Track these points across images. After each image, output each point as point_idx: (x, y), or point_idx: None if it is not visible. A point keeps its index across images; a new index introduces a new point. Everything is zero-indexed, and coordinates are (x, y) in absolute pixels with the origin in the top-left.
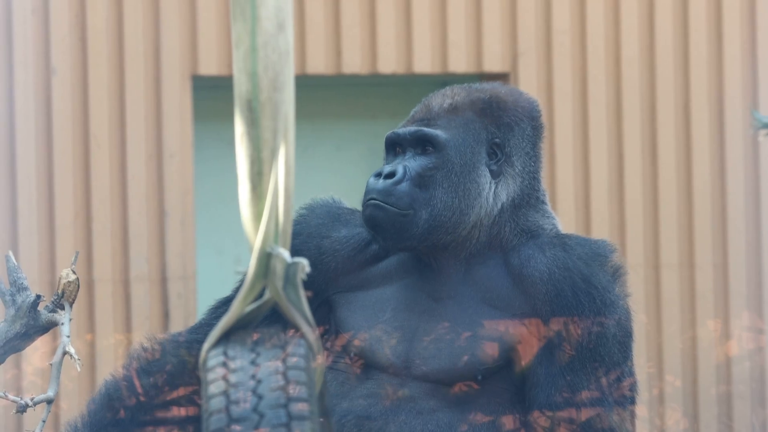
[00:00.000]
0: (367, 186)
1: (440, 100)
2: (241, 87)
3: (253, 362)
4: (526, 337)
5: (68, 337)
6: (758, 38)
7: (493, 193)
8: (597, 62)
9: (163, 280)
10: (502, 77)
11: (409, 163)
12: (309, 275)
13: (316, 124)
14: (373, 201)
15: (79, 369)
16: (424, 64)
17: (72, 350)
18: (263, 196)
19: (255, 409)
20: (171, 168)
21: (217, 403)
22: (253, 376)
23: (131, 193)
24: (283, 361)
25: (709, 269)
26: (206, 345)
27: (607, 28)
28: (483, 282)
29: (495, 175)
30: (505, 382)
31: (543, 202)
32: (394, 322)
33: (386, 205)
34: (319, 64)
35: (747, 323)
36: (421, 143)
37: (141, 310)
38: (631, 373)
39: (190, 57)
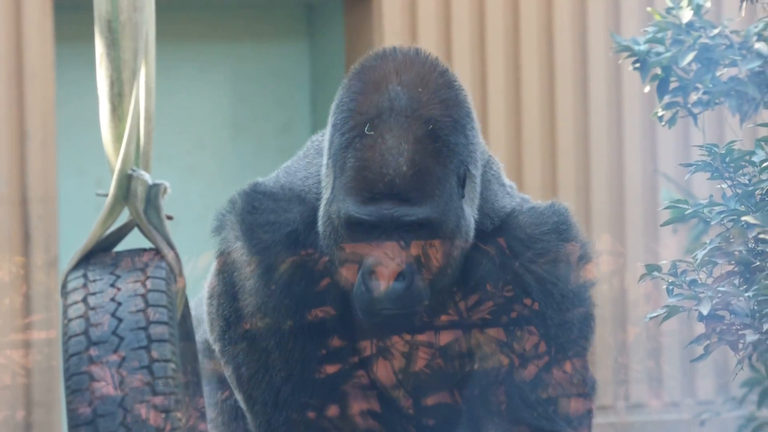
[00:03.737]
0: (368, 289)
1: (393, 159)
2: (100, 7)
3: (113, 285)
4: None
5: None
6: None
7: (469, 218)
8: None
9: (24, 202)
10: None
11: (403, 251)
12: None
13: (179, 45)
14: (387, 311)
15: None
16: None
17: None
18: (124, 118)
19: (114, 332)
20: (32, 88)
21: (76, 326)
22: (113, 299)
23: None
24: (144, 283)
25: (571, 191)
26: (66, 268)
27: None
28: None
29: (463, 195)
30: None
31: (490, 168)
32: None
33: (402, 311)
34: None
35: (607, 246)
36: (407, 225)
37: (1, 231)
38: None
39: None
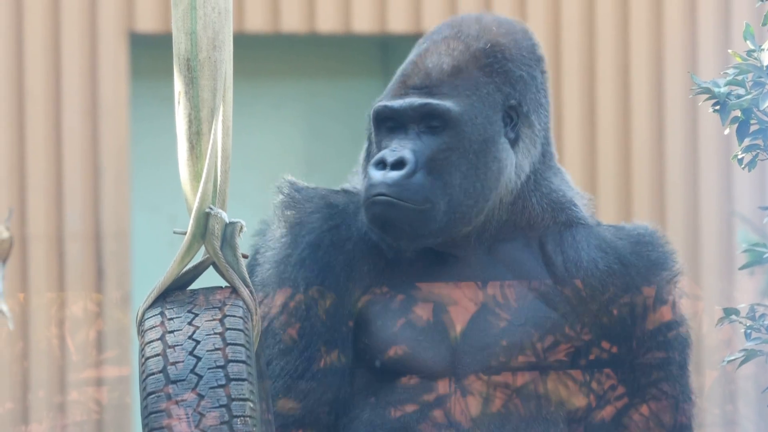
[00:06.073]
0: (369, 178)
1: (437, 59)
2: (179, 46)
3: (190, 323)
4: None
5: (1, 294)
6: (698, 0)
7: (515, 166)
8: (537, 23)
9: (98, 238)
10: None
11: (416, 146)
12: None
13: (254, 82)
14: (382, 197)
15: (11, 327)
16: (362, 23)
17: (5, 308)
18: (202, 156)
19: (192, 371)
20: (107, 125)
21: (154, 364)
22: (190, 337)
23: (66, 149)
24: (221, 321)
25: None
26: (143, 306)
27: None
28: (513, 265)
29: (513, 143)
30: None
31: (554, 158)
32: (429, 323)
33: (400, 202)
34: (257, 22)
35: (683, 289)
36: (427, 118)
37: (75, 267)
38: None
39: (128, 13)
